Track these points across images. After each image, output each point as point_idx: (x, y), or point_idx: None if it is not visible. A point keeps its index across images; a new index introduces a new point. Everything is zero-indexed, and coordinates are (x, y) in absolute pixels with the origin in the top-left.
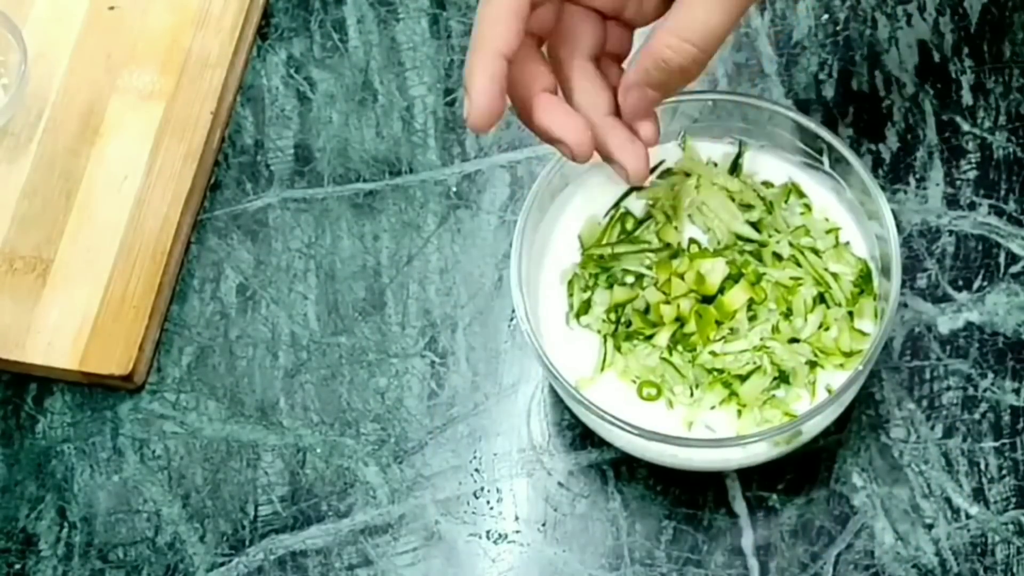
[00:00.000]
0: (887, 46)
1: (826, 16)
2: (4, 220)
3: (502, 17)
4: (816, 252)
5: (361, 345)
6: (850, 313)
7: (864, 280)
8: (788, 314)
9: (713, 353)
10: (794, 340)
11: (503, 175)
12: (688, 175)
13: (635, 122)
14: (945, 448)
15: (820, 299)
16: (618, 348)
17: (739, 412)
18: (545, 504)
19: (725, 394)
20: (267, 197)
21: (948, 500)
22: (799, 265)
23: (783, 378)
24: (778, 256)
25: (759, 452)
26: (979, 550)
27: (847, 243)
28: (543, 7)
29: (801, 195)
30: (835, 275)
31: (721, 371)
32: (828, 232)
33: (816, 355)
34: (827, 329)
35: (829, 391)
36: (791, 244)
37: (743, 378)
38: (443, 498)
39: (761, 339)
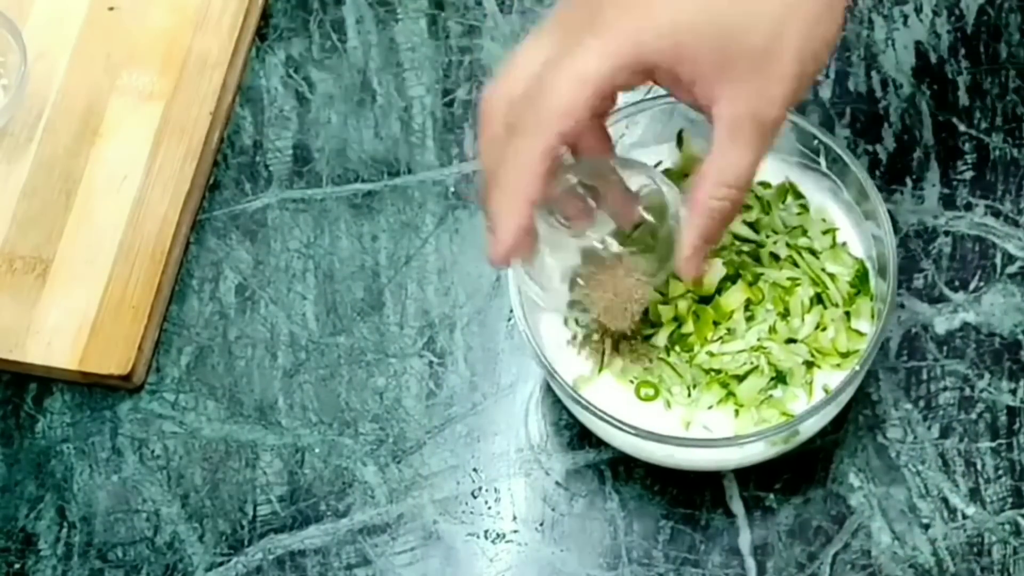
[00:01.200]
0: (884, 47)
1: None
2: (4, 220)
3: (535, 168)
4: (813, 252)
5: (359, 345)
6: (847, 313)
7: (861, 280)
8: (785, 314)
9: (711, 353)
10: (791, 340)
11: None
12: (686, 176)
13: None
14: (942, 448)
15: (817, 299)
16: (616, 348)
17: (736, 412)
18: (543, 504)
19: (722, 394)
20: (266, 197)
21: (945, 500)
22: (796, 265)
23: (780, 378)
24: (775, 256)
25: (756, 452)
26: (976, 550)
27: (844, 243)
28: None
29: (798, 195)
30: (832, 275)
31: (719, 371)
32: (825, 233)
33: (813, 355)
34: (824, 329)
35: (826, 391)
36: (788, 244)
37: (740, 378)
38: (441, 498)
39: (758, 339)
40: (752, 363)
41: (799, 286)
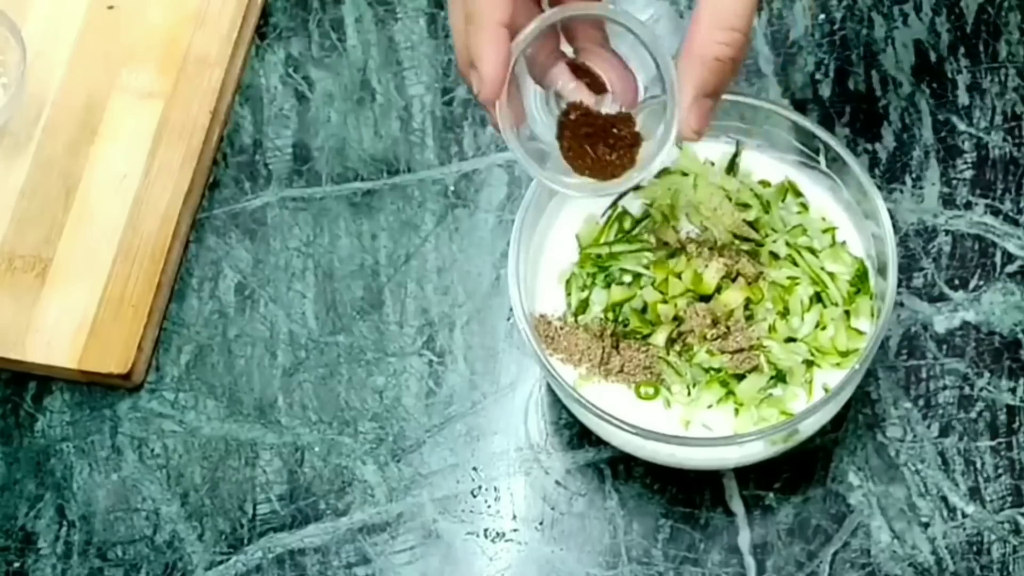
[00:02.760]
0: (883, 46)
1: (823, 16)
2: (3, 219)
3: None
4: (813, 251)
5: (359, 344)
6: (847, 312)
7: (860, 279)
8: (785, 313)
9: (710, 352)
10: (791, 339)
11: (501, 174)
12: (685, 174)
13: (698, 134)
14: (941, 447)
15: (817, 298)
16: (616, 347)
17: (736, 411)
18: (542, 503)
19: (722, 393)
20: (265, 196)
21: (944, 499)
22: (796, 264)
23: (780, 377)
24: (775, 255)
25: (756, 451)
26: (975, 549)
27: (843, 242)
28: None
29: (798, 194)
30: (831, 274)
31: (718, 370)
32: (825, 231)
33: (813, 354)
34: (824, 328)
35: (826, 390)
36: (788, 243)
37: (740, 377)
38: (441, 497)
39: (758, 338)
40: (752, 362)
41: (799, 285)
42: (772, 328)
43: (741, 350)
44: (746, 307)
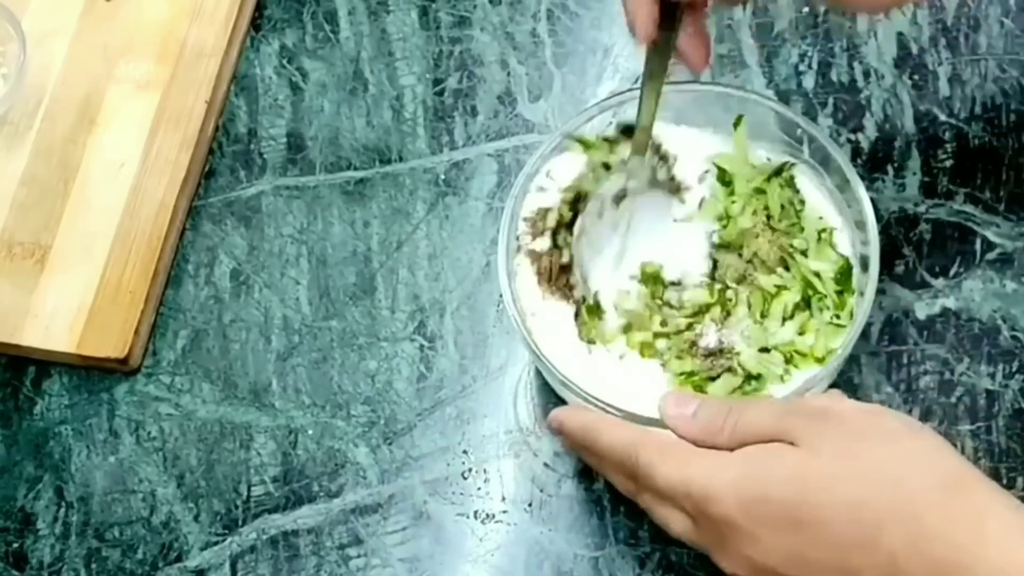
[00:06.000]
0: (866, 38)
1: (806, 8)
2: (3, 207)
3: None
4: (804, 254)
5: (352, 329)
6: (837, 315)
7: (844, 277)
8: (764, 318)
9: (679, 357)
10: (765, 350)
11: (491, 163)
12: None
13: None
14: None
15: (805, 304)
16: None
17: None
18: (531, 484)
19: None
20: (260, 184)
21: None
22: (787, 269)
23: (755, 377)
24: (762, 260)
25: None
26: None
27: (830, 232)
28: None
29: (795, 191)
30: (818, 274)
31: (692, 374)
32: (819, 230)
33: (790, 357)
34: (804, 334)
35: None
36: (780, 247)
37: (713, 379)
38: (431, 479)
39: (731, 343)
40: (724, 366)
41: (787, 291)
42: (746, 333)
43: (713, 354)
44: (723, 310)
